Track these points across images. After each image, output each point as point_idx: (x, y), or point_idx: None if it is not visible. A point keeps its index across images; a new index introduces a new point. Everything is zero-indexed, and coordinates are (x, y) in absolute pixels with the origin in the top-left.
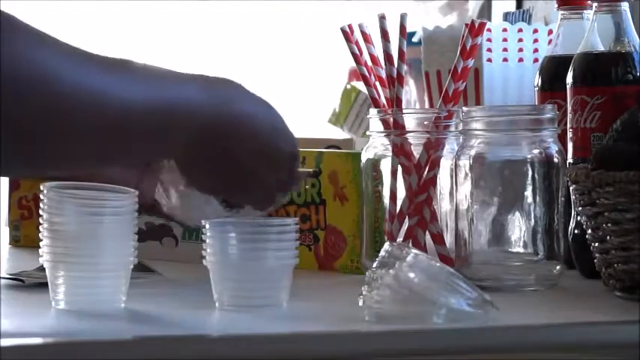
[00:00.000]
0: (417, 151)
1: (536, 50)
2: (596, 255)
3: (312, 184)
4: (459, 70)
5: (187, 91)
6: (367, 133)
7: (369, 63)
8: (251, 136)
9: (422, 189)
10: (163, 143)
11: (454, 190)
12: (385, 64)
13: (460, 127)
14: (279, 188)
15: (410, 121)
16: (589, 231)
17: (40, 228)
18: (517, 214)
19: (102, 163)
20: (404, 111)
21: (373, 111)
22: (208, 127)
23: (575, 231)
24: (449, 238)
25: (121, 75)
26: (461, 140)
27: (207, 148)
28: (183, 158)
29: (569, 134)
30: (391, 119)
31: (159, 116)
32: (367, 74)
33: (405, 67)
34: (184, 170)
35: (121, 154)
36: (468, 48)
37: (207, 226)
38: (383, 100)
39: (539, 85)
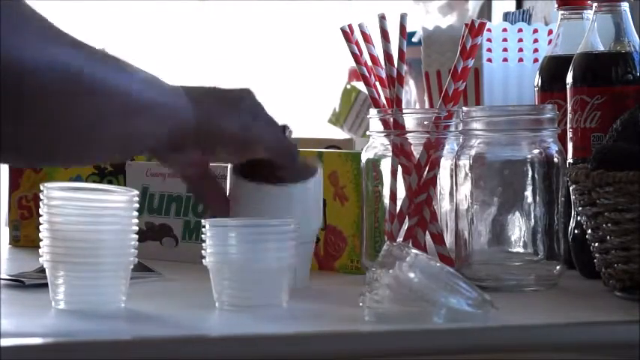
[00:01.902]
0: (417, 151)
1: (536, 50)
2: (596, 255)
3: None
4: (459, 70)
5: (178, 98)
6: (367, 133)
7: (369, 63)
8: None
9: (422, 189)
10: (161, 131)
11: (454, 190)
12: (385, 64)
13: (460, 127)
14: None
15: (410, 121)
16: (589, 231)
17: (40, 228)
18: (517, 214)
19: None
20: (404, 111)
21: (373, 111)
22: (193, 134)
23: (575, 231)
24: (449, 238)
25: (124, 73)
26: (461, 140)
27: (191, 144)
28: (165, 151)
29: (569, 134)
30: (391, 119)
31: (155, 111)
32: (367, 74)
33: (405, 67)
34: (164, 161)
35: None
36: (468, 48)
37: (207, 226)
38: (383, 100)
39: (539, 85)
